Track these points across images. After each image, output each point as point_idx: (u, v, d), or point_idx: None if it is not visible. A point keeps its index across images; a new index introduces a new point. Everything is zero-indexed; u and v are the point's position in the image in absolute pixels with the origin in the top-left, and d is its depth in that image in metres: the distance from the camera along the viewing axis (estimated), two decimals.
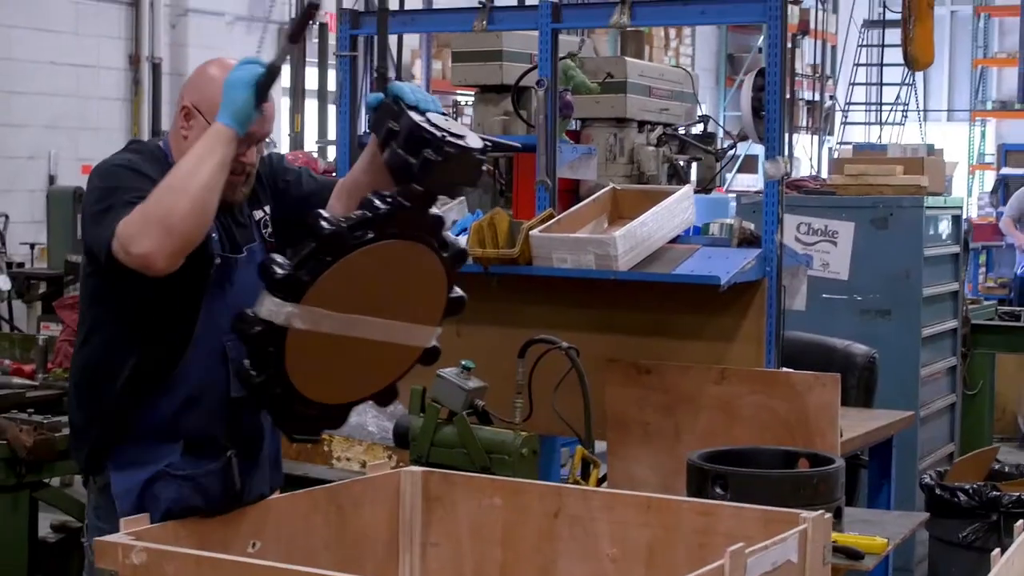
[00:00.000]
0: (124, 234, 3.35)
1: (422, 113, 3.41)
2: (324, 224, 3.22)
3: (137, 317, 3.59)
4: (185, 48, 14.32)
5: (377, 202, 3.29)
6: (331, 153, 12.98)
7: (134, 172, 3.53)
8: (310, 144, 14.33)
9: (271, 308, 3.23)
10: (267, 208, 3.82)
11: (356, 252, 3.26)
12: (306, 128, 14.75)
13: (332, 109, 15.08)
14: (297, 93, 14.13)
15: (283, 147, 14.27)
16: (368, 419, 5.63)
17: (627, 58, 7.96)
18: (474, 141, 3.44)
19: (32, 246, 11.92)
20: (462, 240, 3.60)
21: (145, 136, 13.68)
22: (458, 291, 3.57)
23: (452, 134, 3.38)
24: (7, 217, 12.24)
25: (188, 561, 3.16)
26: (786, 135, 5.41)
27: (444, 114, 3.47)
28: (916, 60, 11.36)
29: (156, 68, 13.90)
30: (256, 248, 3.73)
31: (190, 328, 3.59)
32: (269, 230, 3.80)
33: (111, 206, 3.44)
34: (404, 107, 3.42)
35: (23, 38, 12.71)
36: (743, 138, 7.71)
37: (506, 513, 3.98)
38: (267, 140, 3.77)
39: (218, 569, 3.12)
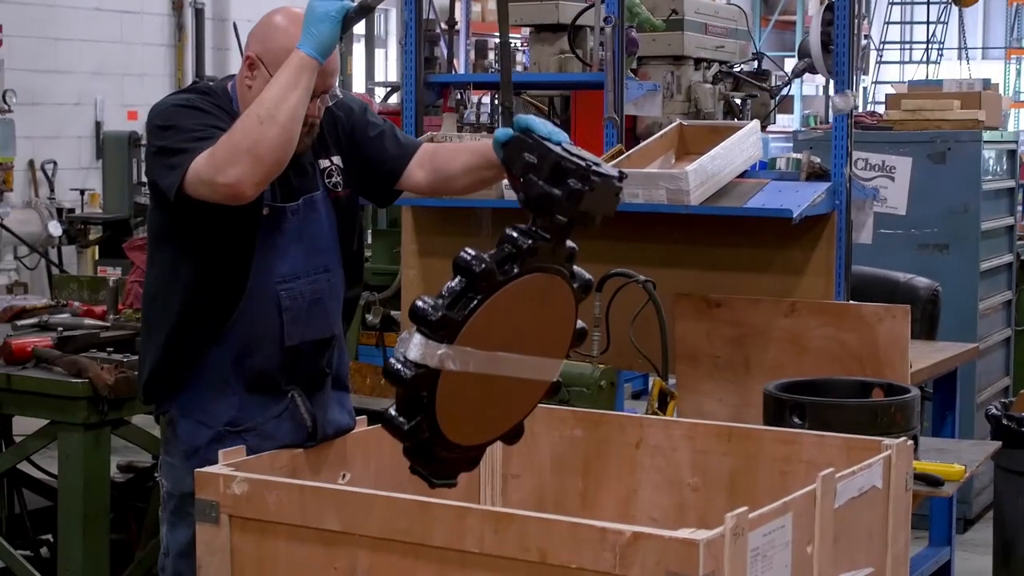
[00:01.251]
0: (209, 166, 3.40)
1: (556, 144, 3.35)
2: (475, 262, 3.16)
3: (193, 252, 3.64)
4: None
5: (521, 238, 3.22)
6: (378, 94, 12.98)
7: (193, 110, 3.56)
8: (358, 87, 14.35)
9: (424, 351, 3.14)
10: (335, 159, 3.82)
11: (503, 289, 3.22)
12: (355, 71, 14.78)
13: (379, 53, 15.15)
14: (346, 37, 14.17)
15: None
16: None
17: None
18: (611, 169, 3.37)
19: (82, 192, 11.98)
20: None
21: (189, 81, 13.67)
22: (580, 322, 3.51)
23: (594, 162, 3.31)
24: (55, 163, 12.30)
25: (291, 490, 3.18)
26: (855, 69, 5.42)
27: (572, 143, 3.41)
28: None
29: (199, 13, 13.92)
30: (318, 198, 3.75)
31: (242, 275, 3.63)
32: (335, 179, 3.81)
33: (175, 145, 3.49)
34: (539, 139, 3.36)
35: None
36: (798, 75, 7.70)
37: (587, 444, 4.02)
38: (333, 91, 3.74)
39: (320, 497, 3.14)
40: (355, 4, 3.47)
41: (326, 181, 3.79)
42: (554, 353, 3.46)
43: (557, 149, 3.33)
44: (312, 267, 3.74)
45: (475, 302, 3.17)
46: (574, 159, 3.29)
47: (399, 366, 3.14)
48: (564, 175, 3.26)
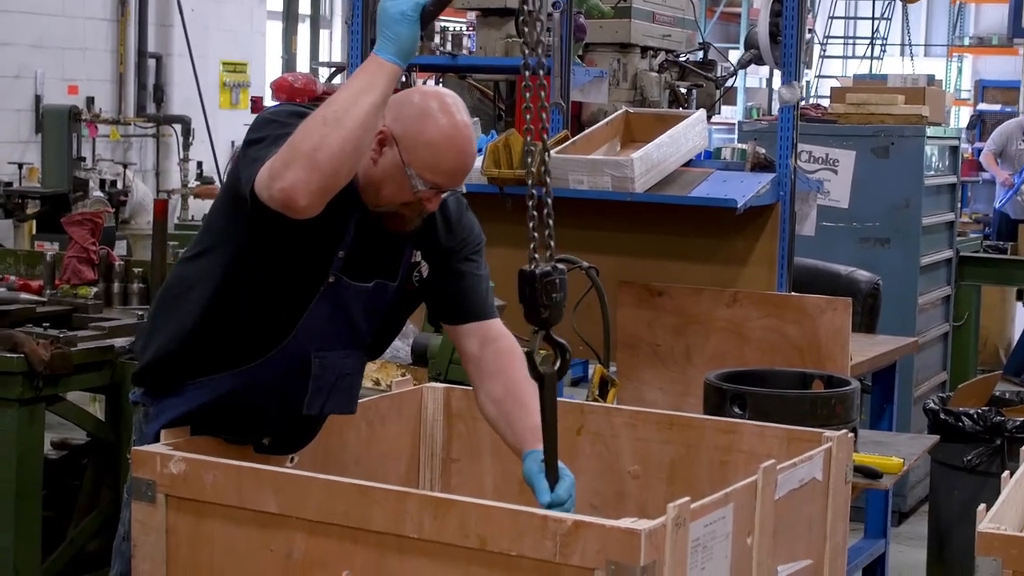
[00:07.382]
0: (269, 168, 3.12)
1: None
2: None
3: (239, 269, 3.39)
4: None
5: None
6: (323, 74, 12.93)
7: (300, 117, 3.22)
8: (303, 66, 14.26)
9: None
10: (424, 266, 3.57)
11: None
12: (299, 51, 14.74)
13: (324, 33, 15.14)
14: (291, 17, 14.10)
15: (276, 70, 14.20)
16: None
17: None
18: None
19: (20, 165, 11.86)
20: None
21: (131, 56, 13.62)
22: None
23: None
24: None
25: (228, 471, 3.13)
26: (802, 61, 5.43)
27: None
28: None
29: None
30: (391, 288, 3.52)
31: (284, 329, 3.41)
32: (418, 276, 3.57)
33: (263, 139, 3.24)
34: None
35: None
36: (744, 65, 7.72)
37: None
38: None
39: (258, 479, 3.09)
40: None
41: (411, 275, 3.55)
42: None
43: None
44: (353, 342, 3.53)
45: None
46: None
47: None
48: None
